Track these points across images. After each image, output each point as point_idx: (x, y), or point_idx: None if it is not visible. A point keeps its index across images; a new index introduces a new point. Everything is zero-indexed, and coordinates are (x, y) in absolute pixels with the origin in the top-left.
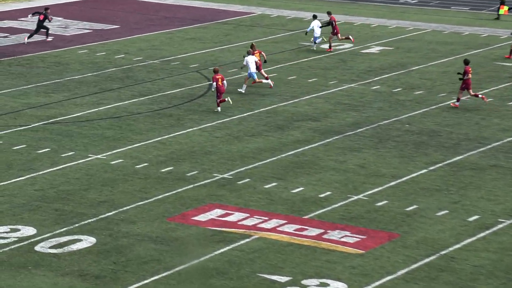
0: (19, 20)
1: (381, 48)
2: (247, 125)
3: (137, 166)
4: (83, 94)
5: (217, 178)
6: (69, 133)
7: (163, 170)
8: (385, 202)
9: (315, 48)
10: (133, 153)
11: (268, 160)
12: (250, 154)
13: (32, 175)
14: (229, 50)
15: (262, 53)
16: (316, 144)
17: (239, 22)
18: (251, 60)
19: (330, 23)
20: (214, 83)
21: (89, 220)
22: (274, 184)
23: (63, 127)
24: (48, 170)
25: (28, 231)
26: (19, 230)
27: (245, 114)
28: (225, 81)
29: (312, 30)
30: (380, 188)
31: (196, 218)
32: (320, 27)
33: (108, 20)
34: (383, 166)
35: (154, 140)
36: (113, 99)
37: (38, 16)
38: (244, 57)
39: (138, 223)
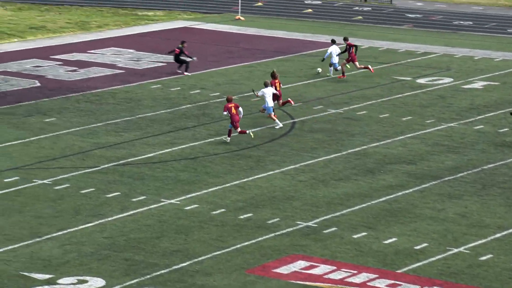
0: (88, 53)
1: (485, 83)
2: (334, 168)
3: (214, 212)
4: (156, 133)
5: (300, 226)
6: (140, 175)
7: (241, 217)
8: (490, 256)
9: (332, 75)
10: (209, 198)
11: (357, 207)
12: (337, 200)
13: (100, 221)
14: (315, 85)
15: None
16: (411, 190)
17: (324, 54)
18: (269, 93)
19: (346, 49)
20: (225, 112)
21: (162, 271)
22: (363, 233)
23: (134, 169)
24: (118, 216)
25: (96, 282)
26: (87, 281)
27: (331, 156)
28: (240, 109)
29: (330, 56)
30: (483, 241)
31: (277, 270)
32: (337, 54)
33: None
34: (487, 216)
35: (232, 183)
36: (188, 139)
37: (174, 52)
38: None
39: (215, 275)
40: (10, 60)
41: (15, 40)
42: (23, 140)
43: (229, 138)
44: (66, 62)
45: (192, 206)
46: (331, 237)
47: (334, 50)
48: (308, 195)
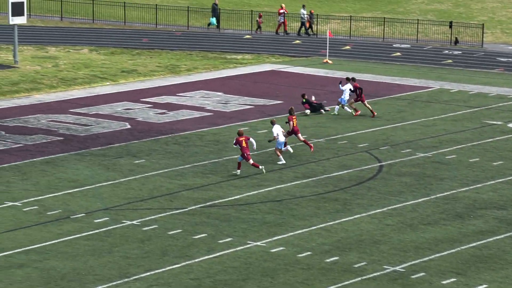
0: (178, 96)
1: None
2: (422, 212)
3: (300, 255)
4: (242, 175)
5: (388, 271)
6: (227, 217)
7: (327, 260)
8: None
9: (336, 113)
10: (295, 240)
11: (446, 252)
12: (425, 245)
13: (187, 262)
14: (403, 128)
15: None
16: (502, 236)
17: (415, 97)
18: (278, 130)
19: (354, 90)
20: (235, 146)
21: None
22: (453, 279)
23: (221, 210)
24: (205, 258)
25: None
26: None
27: (419, 200)
28: (252, 140)
29: (342, 92)
30: None
31: None
32: (351, 93)
33: (270, 95)
34: None
35: (318, 226)
36: (274, 181)
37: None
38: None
39: None
40: (103, 103)
41: (107, 83)
42: (113, 181)
43: (239, 171)
44: (156, 105)
45: (278, 249)
46: (420, 282)
47: (348, 88)
48: (395, 239)
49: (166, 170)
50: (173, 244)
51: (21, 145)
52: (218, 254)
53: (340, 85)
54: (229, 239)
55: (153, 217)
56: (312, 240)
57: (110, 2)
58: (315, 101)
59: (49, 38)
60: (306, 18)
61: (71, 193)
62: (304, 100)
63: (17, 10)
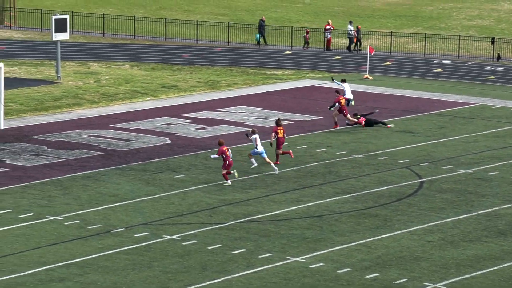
0: (217, 111)
1: None
2: (464, 229)
3: (339, 271)
4: (282, 190)
5: None
6: (266, 232)
7: (367, 277)
8: None
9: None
10: (334, 256)
11: (487, 270)
12: (467, 262)
13: (227, 277)
14: (444, 144)
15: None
16: None
17: (456, 113)
18: (257, 138)
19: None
20: (217, 156)
21: None
22: None
23: (260, 225)
24: (244, 273)
25: None
26: None
27: (461, 217)
28: (229, 152)
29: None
30: None
31: None
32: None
33: (310, 111)
34: None
35: (358, 242)
36: (313, 197)
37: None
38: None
39: None
40: (143, 118)
41: (148, 98)
42: (153, 196)
43: (229, 181)
44: (196, 120)
45: (318, 264)
46: None
47: (348, 88)
48: (436, 256)
49: (205, 185)
50: (212, 259)
51: (63, 159)
52: (257, 269)
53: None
54: (269, 254)
55: (192, 232)
56: (352, 256)
57: (151, 18)
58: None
59: (91, 54)
60: (353, 34)
61: (111, 208)
62: (358, 116)
63: (60, 26)
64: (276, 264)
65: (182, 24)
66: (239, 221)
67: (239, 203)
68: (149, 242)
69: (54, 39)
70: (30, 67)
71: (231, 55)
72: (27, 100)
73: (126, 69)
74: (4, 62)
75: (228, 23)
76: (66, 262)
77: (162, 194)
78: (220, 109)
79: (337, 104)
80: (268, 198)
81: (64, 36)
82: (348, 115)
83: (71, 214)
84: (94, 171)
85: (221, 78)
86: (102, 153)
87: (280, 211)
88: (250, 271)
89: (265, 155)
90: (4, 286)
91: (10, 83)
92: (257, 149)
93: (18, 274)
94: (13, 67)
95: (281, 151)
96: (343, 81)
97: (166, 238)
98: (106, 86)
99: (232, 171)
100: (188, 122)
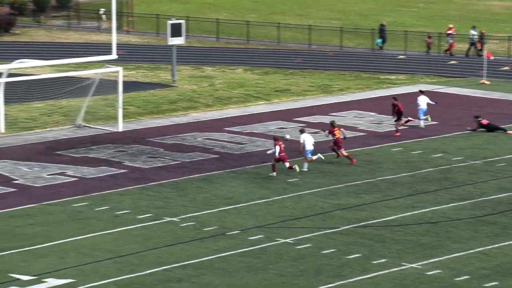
0: (330, 115)
1: None
2: None
3: (457, 279)
4: (396, 196)
5: None
6: (381, 238)
7: (486, 285)
8: None
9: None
10: (451, 263)
11: None
12: None
13: (341, 282)
14: None
15: (342, 129)
16: None
17: None
18: (307, 138)
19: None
20: (273, 149)
21: None
22: None
23: (374, 231)
24: (359, 278)
25: None
26: None
27: None
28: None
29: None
30: None
31: None
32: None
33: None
34: None
35: (476, 250)
36: (429, 203)
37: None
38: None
39: None
40: (256, 122)
41: (261, 102)
42: (267, 199)
43: (275, 173)
44: (309, 124)
45: (434, 271)
46: None
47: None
48: None
49: (319, 189)
50: (326, 264)
51: (179, 162)
52: (372, 275)
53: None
54: (383, 260)
55: (306, 236)
56: (470, 264)
57: (264, 23)
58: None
59: (206, 58)
60: (476, 39)
61: (226, 210)
62: (480, 118)
63: (176, 31)
64: (391, 270)
65: (295, 28)
66: (353, 226)
67: (353, 208)
68: (263, 245)
69: (169, 43)
70: (146, 71)
71: (343, 60)
72: (144, 103)
73: (239, 73)
74: (122, 66)
75: (341, 27)
76: (182, 263)
77: (275, 198)
78: (333, 114)
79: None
80: (382, 204)
81: (179, 41)
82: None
83: (187, 215)
84: (209, 173)
85: (334, 83)
86: (217, 156)
87: (395, 216)
88: (365, 277)
89: (309, 155)
90: (124, 285)
91: (128, 86)
92: (307, 147)
93: (137, 274)
94: (130, 71)
95: (345, 152)
96: (421, 92)
97: (280, 242)
98: (220, 90)
99: (294, 166)
100: (302, 126)
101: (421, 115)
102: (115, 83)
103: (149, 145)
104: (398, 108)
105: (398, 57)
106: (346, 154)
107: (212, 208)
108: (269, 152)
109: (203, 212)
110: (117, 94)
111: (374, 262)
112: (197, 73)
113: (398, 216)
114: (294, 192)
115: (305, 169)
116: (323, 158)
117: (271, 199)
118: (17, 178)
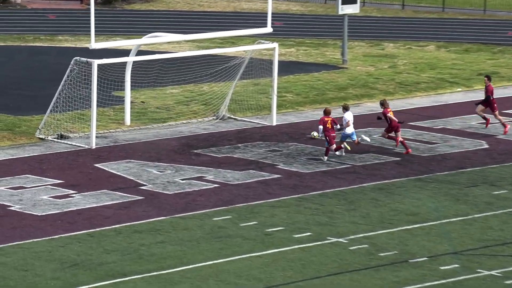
0: None
1: None
2: None
3: None
4: None
5: None
6: None
7: None
8: None
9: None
10: None
11: None
12: None
13: None
14: None
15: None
16: None
17: None
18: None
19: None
20: (320, 126)
21: None
22: None
23: None
24: None
25: None
26: None
27: None
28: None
29: None
30: None
31: None
32: None
33: None
34: None
35: None
36: None
37: None
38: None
39: None
40: (451, 115)
41: (459, 89)
42: (464, 217)
43: (326, 157)
44: None
45: None
46: None
47: None
48: None
49: None
50: None
51: (348, 165)
52: None
53: None
54: None
55: None
56: None
57: None
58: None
59: (386, 32)
60: None
61: (409, 230)
62: None
63: None
64: None
65: None
66: None
67: None
68: (459, 278)
69: (340, 12)
70: (309, 48)
71: None
72: (305, 90)
73: (430, 51)
74: (279, 42)
75: None
76: None
77: (476, 215)
78: None
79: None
80: None
81: (353, 9)
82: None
83: (357, 236)
84: (387, 181)
85: None
86: (398, 158)
87: None
88: None
89: (355, 136)
90: None
91: (286, 68)
92: (346, 131)
93: None
94: (289, 48)
95: (401, 137)
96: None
97: (482, 274)
98: (404, 73)
99: (342, 145)
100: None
101: None
102: (269, 63)
103: (311, 143)
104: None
105: None
106: (402, 139)
107: (390, 227)
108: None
109: (379, 232)
110: (272, 77)
111: None
112: (375, 51)
113: None
114: (501, 209)
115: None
116: (369, 140)
117: (470, 216)
118: (144, 183)
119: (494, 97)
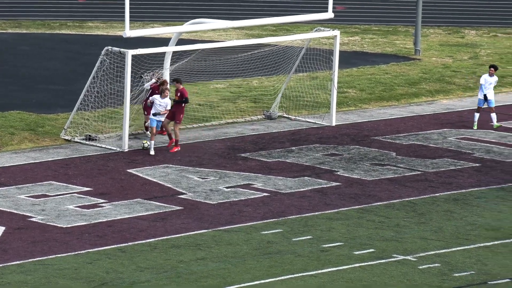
0: None
1: None
2: None
3: None
4: None
5: None
6: None
7: None
8: None
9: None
10: None
11: None
12: None
13: None
14: None
15: None
16: None
17: None
18: None
19: None
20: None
21: None
22: None
23: None
24: None
25: None
26: None
27: None
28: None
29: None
30: None
31: None
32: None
33: None
34: None
35: None
36: None
37: None
38: None
39: None
40: None
41: None
42: None
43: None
44: None
45: None
46: None
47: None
48: None
49: None
50: None
51: (418, 172)
52: None
53: None
54: None
55: None
56: None
57: None
58: None
59: (467, 16)
60: None
61: (489, 247)
62: None
63: None
64: None
65: None
66: None
67: None
68: None
69: None
70: (376, 36)
71: None
72: (371, 85)
73: None
74: (340, 29)
75: None
76: None
77: None
78: None
79: None
80: None
81: None
82: None
83: (428, 253)
84: (463, 191)
85: None
86: (477, 165)
87: None
88: None
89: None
90: None
91: (348, 59)
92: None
93: None
94: (353, 36)
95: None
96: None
97: None
98: (488, 65)
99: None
100: None
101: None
102: (329, 54)
103: (375, 146)
104: None
105: None
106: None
107: (467, 243)
108: None
109: (454, 249)
110: (332, 70)
111: None
112: (453, 39)
113: None
114: None
115: None
116: None
117: None
118: (184, 192)
119: None
